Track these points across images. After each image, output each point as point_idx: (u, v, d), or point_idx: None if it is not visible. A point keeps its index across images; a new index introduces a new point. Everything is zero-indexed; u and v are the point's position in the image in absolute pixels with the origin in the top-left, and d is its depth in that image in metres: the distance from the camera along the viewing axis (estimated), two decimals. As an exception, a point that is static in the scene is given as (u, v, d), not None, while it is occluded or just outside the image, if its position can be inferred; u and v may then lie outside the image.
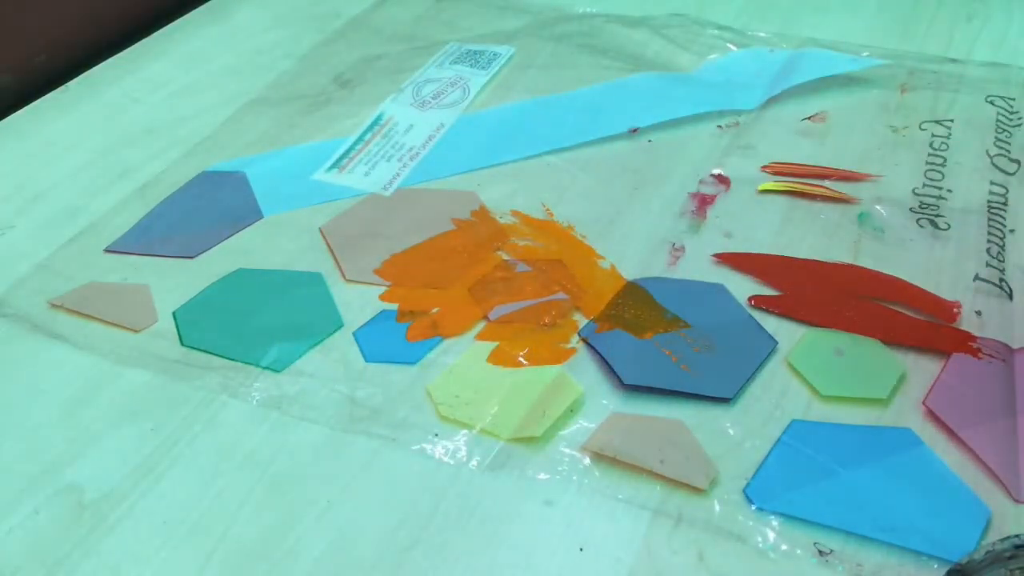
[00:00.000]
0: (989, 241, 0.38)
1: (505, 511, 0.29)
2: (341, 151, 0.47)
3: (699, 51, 0.53)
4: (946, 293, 0.36)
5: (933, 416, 0.31)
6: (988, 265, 0.37)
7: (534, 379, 0.33)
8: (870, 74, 0.49)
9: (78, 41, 0.58)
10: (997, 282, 0.36)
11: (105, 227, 0.42)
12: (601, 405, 0.32)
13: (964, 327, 0.34)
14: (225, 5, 0.62)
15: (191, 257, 0.40)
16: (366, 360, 0.35)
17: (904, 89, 0.48)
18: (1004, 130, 0.45)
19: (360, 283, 0.38)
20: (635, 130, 0.47)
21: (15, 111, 0.52)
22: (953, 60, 0.50)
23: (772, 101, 0.48)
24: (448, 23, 0.58)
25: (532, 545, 0.28)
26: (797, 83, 0.49)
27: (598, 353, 0.34)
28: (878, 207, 0.40)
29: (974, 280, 0.36)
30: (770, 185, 0.42)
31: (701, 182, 0.43)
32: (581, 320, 0.36)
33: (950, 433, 0.31)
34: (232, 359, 0.35)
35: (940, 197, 0.41)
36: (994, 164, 0.43)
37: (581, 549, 0.28)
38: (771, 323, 0.35)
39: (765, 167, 0.43)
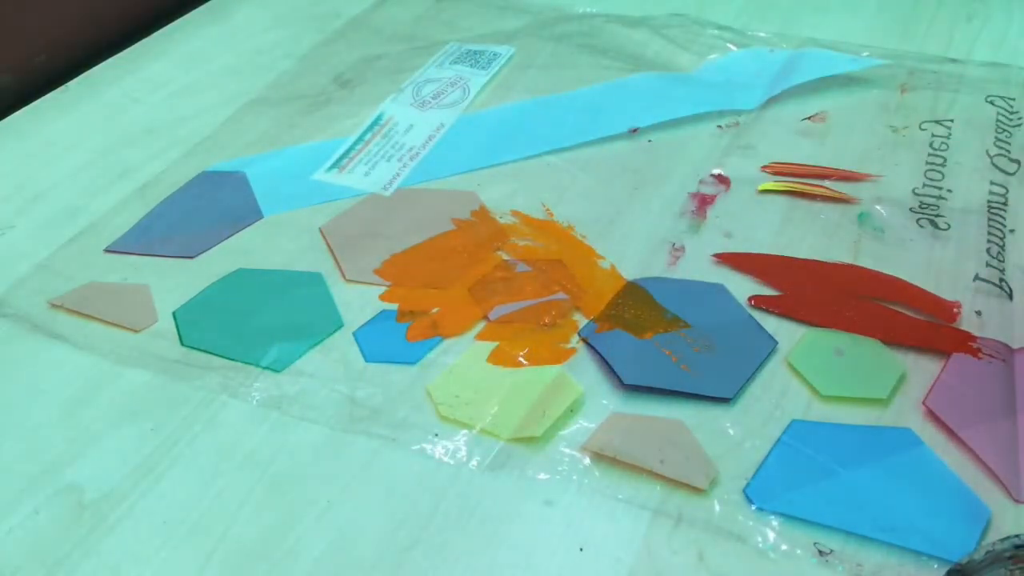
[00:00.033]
0: (989, 241, 0.38)
1: (505, 511, 0.29)
2: (341, 151, 0.47)
3: (699, 51, 0.53)
4: (946, 293, 0.36)
5: (933, 416, 0.31)
6: (988, 265, 0.37)
7: (534, 379, 0.33)
8: (870, 74, 0.49)
9: (78, 41, 0.58)
10: (997, 282, 0.36)
11: (105, 227, 0.42)
12: (601, 405, 0.32)
13: (964, 327, 0.34)
14: (225, 5, 0.62)
15: (191, 257, 0.40)
16: (366, 360, 0.35)
17: (904, 89, 0.48)
18: (1004, 130, 0.45)
19: (360, 283, 0.38)
20: (635, 130, 0.47)
21: (15, 111, 0.52)
22: (953, 60, 0.50)
23: (772, 101, 0.48)
24: (448, 23, 0.58)
25: (532, 545, 0.28)
26: (797, 83, 0.49)
27: (598, 353, 0.34)
28: (878, 207, 0.40)
29: (974, 280, 0.36)
30: (770, 185, 0.42)
31: (701, 182, 0.43)
32: (581, 320, 0.36)
33: (950, 433, 0.31)
34: (232, 359, 0.35)
35: (940, 197, 0.41)
36: (994, 164, 0.43)
37: (581, 549, 0.28)
38: (771, 323, 0.35)
39: (765, 167, 0.43)
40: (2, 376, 0.35)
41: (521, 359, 0.34)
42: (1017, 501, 0.29)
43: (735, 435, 0.31)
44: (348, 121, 0.49)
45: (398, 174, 0.45)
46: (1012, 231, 0.39)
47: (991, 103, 0.47)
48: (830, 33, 0.53)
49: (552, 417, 0.32)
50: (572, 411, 0.32)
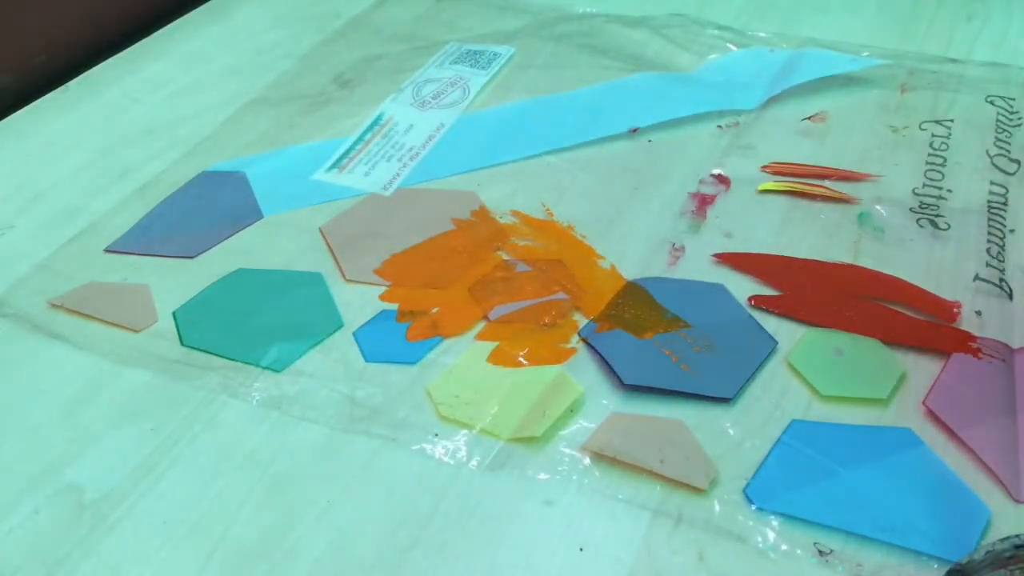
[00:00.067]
0: (989, 241, 0.38)
1: (505, 511, 0.29)
2: (341, 151, 0.47)
3: (699, 51, 0.53)
4: (946, 293, 0.36)
5: (933, 416, 0.31)
6: (988, 265, 0.37)
7: (534, 379, 0.33)
8: (870, 74, 0.49)
9: (78, 41, 0.58)
10: (997, 282, 0.36)
11: (105, 227, 0.42)
12: (601, 405, 0.32)
13: (964, 327, 0.34)
14: (225, 5, 0.62)
15: (191, 257, 0.40)
16: (366, 360, 0.35)
17: (904, 89, 0.48)
18: (1004, 130, 0.45)
19: (360, 283, 0.38)
20: (635, 130, 0.47)
21: (15, 111, 0.52)
22: (953, 60, 0.50)
23: (772, 101, 0.48)
24: (448, 23, 0.58)
25: (532, 545, 0.28)
26: (797, 83, 0.49)
27: (598, 353, 0.34)
28: (878, 207, 0.40)
29: (974, 280, 0.36)
30: (770, 185, 0.42)
31: (701, 182, 0.43)
32: (581, 320, 0.36)
33: (950, 433, 0.31)
34: (232, 359, 0.35)
35: (940, 197, 0.41)
36: (994, 164, 0.43)
37: (581, 549, 0.28)
38: (771, 323, 0.35)
39: (765, 167, 0.43)
40: (2, 376, 0.35)
41: (521, 359, 0.34)
42: (1017, 501, 0.29)
43: (735, 435, 0.31)
44: (348, 121, 0.49)
45: (398, 174, 0.45)
46: (1012, 231, 0.39)
47: (991, 103, 0.47)
48: (830, 33, 0.53)
49: (552, 417, 0.32)
50: (572, 411, 0.32)
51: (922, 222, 0.39)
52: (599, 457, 0.31)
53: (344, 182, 0.45)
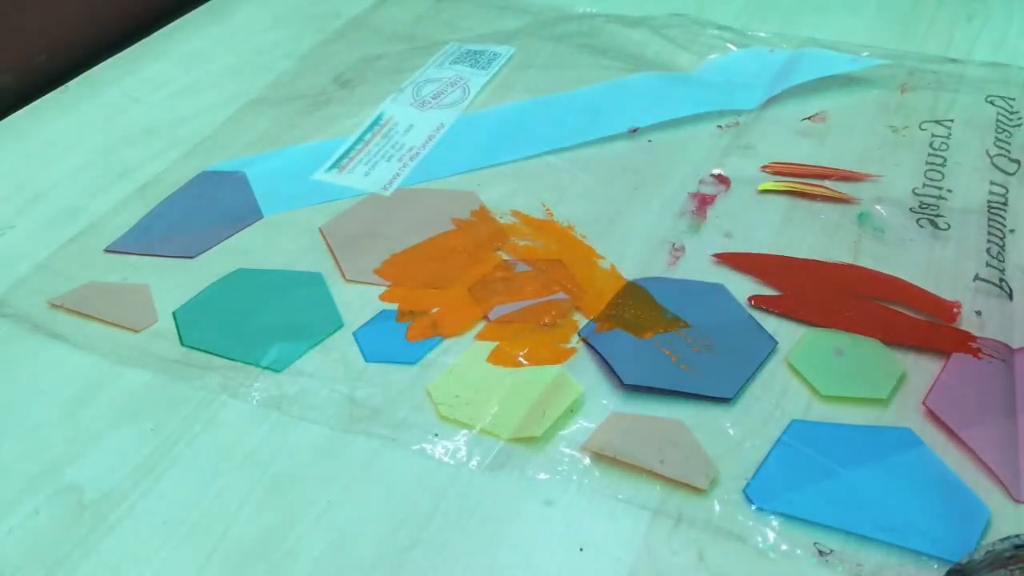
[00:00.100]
0: (989, 241, 0.38)
1: (505, 511, 0.29)
2: (341, 151, 0.47)
3: (699, 51, 0.53)
4: (946, 293, 0.36)
5: (933, 416, 0.31)
6: (988, 265, 0.37)
7: (534, 379, 0.33)
8: (870, 74, 0.49)
9: (78, 41, 0.58)
10: (997, 282, 0.36)
11: (105, 227, 0.42)
12: (601, 405, 0.32)
13: (964, 327, 0.34)
14: (225, 5, 0.62)
15: (191, 257, 0.40)
16: (366, 360, 0.35)
17: (904, 89, 0.48)
18: (1004, 130, 0.45)
19: (360, 283, 0.38)
20: (635, 130, 0.47)
21: (15, 111, 0.52)
22: (953, 60, 0.50)
23: (772, 101, 0.48)
24: (448, 23, 0.58)
25: (532, 545, 0.28)
26: (797, 83, 0.49)
27: (598, 353, 0.34)
28: (878, 207, 0.40)
29: (974, 280, 0.36)
30: (770, 185, 0.42)
31: (701, 182, 0.43)
32: (581, 320, 0.36)
33: (950, 433, 0.31)
34: (232, 359, 0.35)
35: (940, 197, 0.41)
36: (994, 164, 0.43)
37: (581, 549, 0.28)
38: (771, 323, 0.35)
39: (765, 167, 0.43)
40: (2, 376, 0.35)
41: (521, 359, 0.34)
42: (1017, 501, 0.29)
43: (735, 435, 0.31)
44: (348, 121, 0.49)
45: (398, 174, 0.45)
46: (1012, 231, 0.39)
47: (991, 103, 0.47)
48: (830, 33, 0.53)
49: (552, 417, 0.32)
50: (572, 411, 0.32)
51: (922, 222, 0.39)
52: (599, 457, 0.31)
53: (344, 182, 0.45)
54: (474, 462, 0.31)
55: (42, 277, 0.40)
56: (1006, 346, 0.33)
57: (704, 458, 0.30)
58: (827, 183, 0.42)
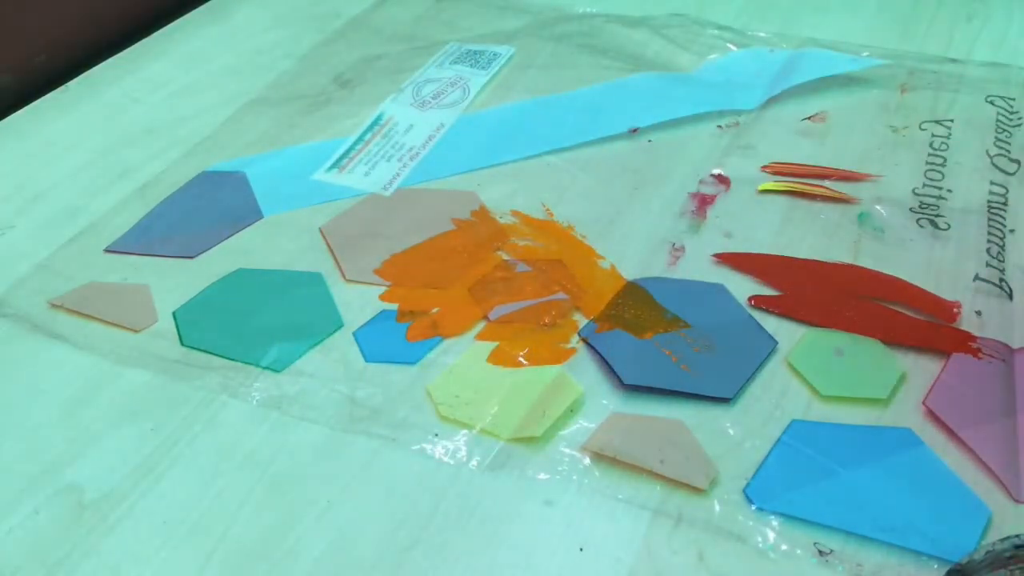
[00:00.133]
0: (989, 241, 0.38)
1: (505, 511, 0.29)
2: (341, 151, 0.47)
3: (699, 51, 0.53)
4: (946, 293, 0.36)
5: (933, 416, 0.31)
6: (988, 265, 0.37)
7: (534, 379, 0.33)
8: (870, 74, 0.49)
9: (78, 41, 0.58)
10: (997, 282, 0.36)
11: (105, 227, 0.42)
12: (601, 405, 0.32)
13: (964, 327, 0.34)
14: (225, 5, 0.62)
15: (191, 257, 0.40)
16: (366, 360, 0.35)
17: (904, 89, 0.48)
18: (1004, 130, 0.45)
19: (360, 283, 0.38)
20: (635, 130, 0.47)
21: (15, 111, 0.52)
22: (953, 60, 0.50)
23: (772, 101, 0.48)
24: (448, 23, 0.58)
25: (532, 545, 0.28)
26: (797, 83, 0.49)
27: (598, 353, 0.34)
28: (878, 207, 0.40)
29: (974, 280, 0.36)
30: (770, 185, 0.42)
31: (701, 182, 0.43)
32: (581, 320, 0.36)
33: (950, 433, 0.31)
34: (232, 359, 0.35)
35: (940, 197, 0.41)
36: (994, 164, 0.43)
37: (581, 549, 0.28)
38: (771, 323, 0.35)
39: (765, 167, 0.43)
40: (2, 376, 0.35)
41: (521, 359, 0.34)
42: (1017, 501, 0.29)
43: (735, 435, 0.31)
44: (348, 121, 0.49)
45: (398, 174, 0.45)
46: (1012, 231, 0.39)
47: (991, 103, 0.47)
48: (830, 33, 0.53)
49: (552, 417, 0.32)
50: (572, 411, 0.32)
51: (922, 222, 0.39)
52: (599, 457, 0.31)
53: (344, 182, 0.45)
54: (474, 462, 0.31)
55: (42, 277, 0.40)
56: (1006, 346, 0.33)
57: (704, 458, 0.30)
58: (827, 183, 0.42)
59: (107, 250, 0.41)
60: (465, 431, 0.32)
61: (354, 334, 0.36)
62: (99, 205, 0.44)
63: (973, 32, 0.53)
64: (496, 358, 0.34)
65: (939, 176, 0.42)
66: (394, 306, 0.37)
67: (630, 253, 0.39)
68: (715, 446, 0.31)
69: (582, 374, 0.33)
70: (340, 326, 0.36)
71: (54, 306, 0.38)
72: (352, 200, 0.43)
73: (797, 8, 0.57)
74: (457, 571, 0.28)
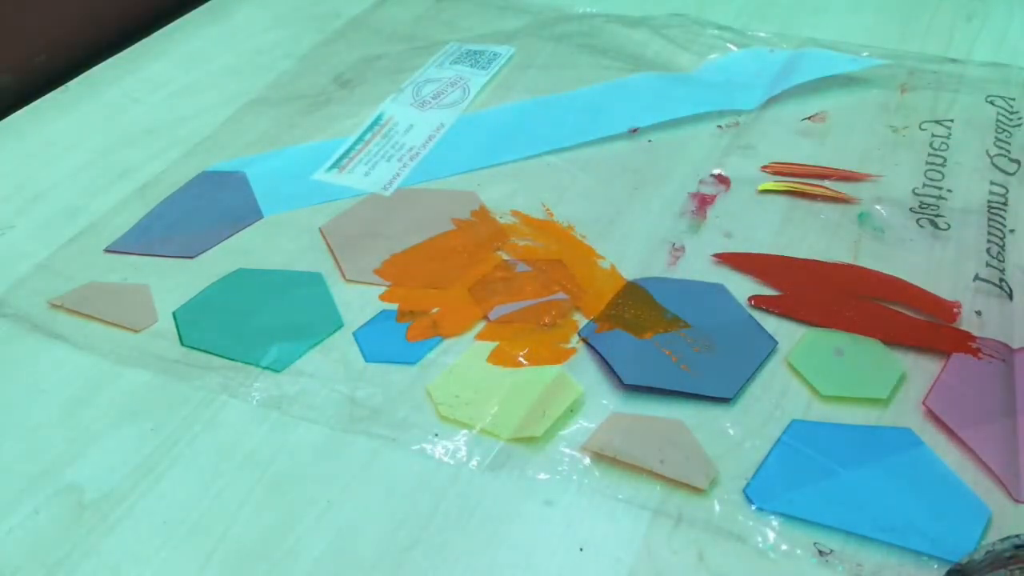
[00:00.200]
0: (989, 241, 0.38)
1: (505, 511, 0.29)
2: (341, 151, 0.47)
3: (699, 51, 0.53)
4: (946, 293, 0.36)
5: (933, 416, 0.31)
6: (988, 265, 0.37)
7: (534, 379, 0.33)
8: (870, 74, 0.49)
9: (78, 41, 0.58)
10: (997, 282, 0.36)
11: (105, 227, 0.42)
12: (601, 405, 0.32)
13: (964, 327, 0.34)
14: (225, 5, 0.62)
15: (191, 257, 0.40)
16: (366, 360, 0.35)
17: (904, 89, 0.48)
18: (1004, 130, 0.45)
19: (360, 283, 0.38)
20: (635, 130, 0.47)
21: (15, 111, 0.52)
22: (953, 60, 0.50)
23: (772, 101, 0.48)
24: (448, 23, 0.58)
25: (532, 545, 0.28)
26: (797, 83, 0.49)
27: (598, 353, 0.34)
28: (878, 207, 0.40)
29: (974, 280, 0.36)
30: (770, 185, 0.42)
31: (701, 182, 0.43)
32: (581, 320, 0.36)
33: (950, 433, 0.31)
34: (232, 359, 0.35)
35: (940, 197, 0.41)
36: (994, 164, 0.43)
37: (581, 549, 0.28)
38: (771, 323, 0.35)
39: (765, 167, 0.43)
40: (2, 376, 0.35)
41: (521, 359, 0.34)
42: (1017, 501, 0.29)
43: (735, 435, 0.31)
44: (348, 121, 0.49)
45: (398, 174, 0.45)
46: (1012, 231, 0.39)
47: (991, 103, 0.47)
48: (830, 33, 0.53)
49: (552, 417, 0.32)
50: (572, 411, 0.32)
51: (922, 222, 0.39)
52: (599, 457, 0.31)
53: (344, 182, 0.45)
54: (474, 462, 0.31)
55: (42, 277, 0.40)
56: (1006, 346, 0.33)
57: (704, 458, 0.30)
58: (827, 183, 0.42)
59: (107, 250, 0.41)
60: (465, 431, 0.32)
61: (354, 334, 0.36)
62: (99, 205, 0.44)
63: (973, 32, 0.53)
64: (496, 358, 0.34)
65: (939, 176, 0.42)
66: (394, 306, 0.37)
67: (630, 253, 0.39)
68: (715, 446, 0.31)
69: (582, 374, 0.33)
70: (340, 326, 0.36)
71: (54, 306, 0.38)
72: (352, 200, 0.43)
73: (797, 8, 0.57)
74: (457, 571, 0.28)
